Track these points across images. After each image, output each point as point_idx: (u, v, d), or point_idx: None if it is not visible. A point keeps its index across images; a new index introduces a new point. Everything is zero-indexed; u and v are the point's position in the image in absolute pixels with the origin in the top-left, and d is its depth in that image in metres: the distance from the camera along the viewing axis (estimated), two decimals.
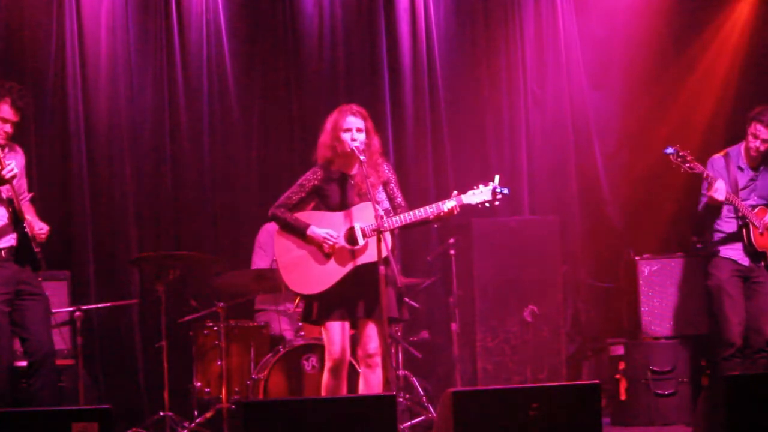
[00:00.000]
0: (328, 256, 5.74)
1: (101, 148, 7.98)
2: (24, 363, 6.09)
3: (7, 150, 6.04)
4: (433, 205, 5.68)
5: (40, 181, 7.46)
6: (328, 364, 5.79)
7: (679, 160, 6.64)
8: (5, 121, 5.94)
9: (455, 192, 5.71)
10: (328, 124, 5.84)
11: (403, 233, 8.36)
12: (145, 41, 8.11)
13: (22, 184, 6.16)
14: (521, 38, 8.74)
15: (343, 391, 5.84)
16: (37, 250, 5.99)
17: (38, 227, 6.05)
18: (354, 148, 5.70)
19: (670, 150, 6.64)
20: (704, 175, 6.73)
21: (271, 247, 7.57)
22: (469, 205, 5.70)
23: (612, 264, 8.45)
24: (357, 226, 5.71)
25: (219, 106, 8.25)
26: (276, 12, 8.39)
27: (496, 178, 5.72)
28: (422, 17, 8.55)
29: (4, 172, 5.73)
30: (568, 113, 8.73)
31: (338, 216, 5.78)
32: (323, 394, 5.80)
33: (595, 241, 8.68)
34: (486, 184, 5.71)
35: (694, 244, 7.77)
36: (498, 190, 5.68)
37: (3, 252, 5.92)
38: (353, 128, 5.75)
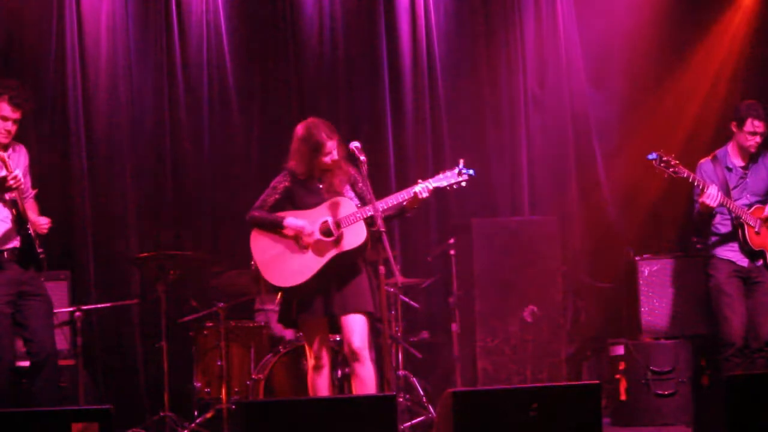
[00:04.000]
0: (304, 248, 5.80)
1: (101, 148, 7.99)
2: (25, 363, 6.09)
3: (11, 150, 6.04)
4: (404, 191, 5.85)
5: (40, 180, 7.44)
6: (310, 363, 5.92)
7: (662, 165, 6.59)
8: (5, 119, 5.93)
9: (419, 180, 5.88)
10: (305, 146, 5.94)
11: (403, 233, 8.38)
12: (145, 41, 8.12)
13: (26, 182, 6.16)
14: (521, 38, 8.73)
15: (326, 388, 5.92)
16: (40, 250, 6.00)
17: (40, 221, 6.04)
18: (355, 147, 5.80)
19: (653, 156, 6.59)
20: (690, 179, 6.69)
21: None
22: (438, 188, 5.88)
23: (612, 264, 8.44)
24: (330, 219, 5.83)
25: (219, 106, 8.25)
26: (276, 12, 8.39)
27: (461, 161, 5.92)
28: (422, 17, 8.55)
29: (10, 179, 5.71)
30: (568, 113, 8.73)
31: (311, 213, 5.89)
32: (310, 393, 5.90)
33: (595, 241, 8.68)
34: (451, 169, 5.91)
35: (694, 244, 7.75)
36: (464, 171, 5.89)
37: (6, 253, 5.91)
38: (333, 150, 5.92)
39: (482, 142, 8.62)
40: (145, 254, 7.35)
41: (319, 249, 5.83)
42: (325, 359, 5.90)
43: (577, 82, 8.76)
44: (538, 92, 8.76)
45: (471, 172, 5.91)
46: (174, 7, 8.13)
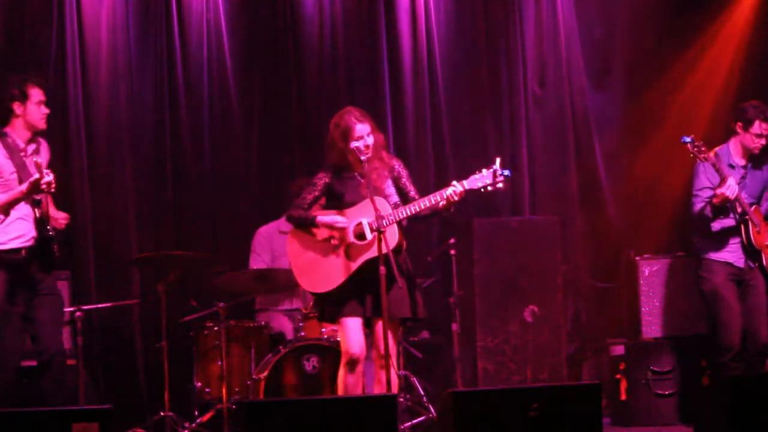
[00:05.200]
0: (337, 248, 5.76)
1: (101, 148, 7.98)
2: (30, 363, 6.12)
3: (35, 146, 6.07)
4: (437, 194, 5.69)
5: None
6: (343, 360, 5.81)
7: (695, 149, 6.60)
8: (41, 103, 6.00)
9: (454, 182, 5.71)
10: (336, 132, 5.85)
11: (403, 233, 8.36)
12: (145, 41, 8.11)
13: None
14: (521, 38, 8.73)
15: (359, 388, 5.84)
16: (55, 248, 6.01)
17: (57, 216, 6.06)
18: (354, 148, 5.76)
19: (687, 139, 6.60)
20: (716, 167, 6.66)
21: (266, 251, 7.59)
22: (472, 190, 5.70)
23: (612, 264, 8.44)
24: (364, 221, 5.74)
25: (219, 106, 8.24)
26: (276, 12, 8.38)
27: (497, 160, 5.70)
28: (422, 17, 8.55)
29: (43, 184, 5.70)
30: (569, 113, 8.73)
31: (346, 213, 5.82)
32: (340, 392, 5.80)
33: (595, 241, 8.68)
34: (488, 168, 5.70)
35: (694, 245, 7.75)
36: (499, 172, 5.67)
37: (23, 251, 5.92)
38: (364, 134, 5.80)
39: (482, 141, 8.62)
40: (145, 254, 7.35)
41: (351, 253, 5.76)
42: (361, 358, 5.80)
43: (577, 81, 8.77)
44: (538, 91, 8.76)
45: (507, 173, 5.68)
46: (174, 7, 8.13)
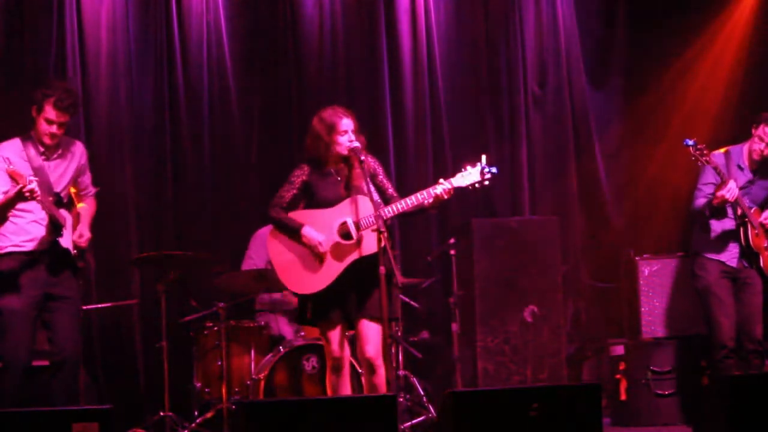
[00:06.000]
0: (321, 259, 5.73)
1: (101, 148, 7.98)
2: (39, 362, 6.13)
3: (60, 151, 6.07)
4: (424, 192, 5.67)
5: None
6: (329, 363, 5.82)
7: (697, 152, 6.61)
8: (50, 122, 5.95)
9: (441, 180, 5.72)
10: (320, 126, 5.80)
11: (403, 233, 8.38)
12: (145, 41, 8.11)
13: (84, 180, 6.29)
14: (521, 38, 8.74)
15: (347, 388, 5.84)
16: (74, 252, 6.02)
17: (78, 234, 6.07)
18: (354, 148, 5.73)
19: (689, 142, 6.61)
20: (717, 170, 6.66)
21: (261, 255, 7.58)
22: (460, 188, 5.70)
23: (612, 264, 8.45)
24: (349, 221, 5.70)
25: (219, 106, 8.24)
26: (276, 12, 8.39)
27: (483, 158, 5.72)
28: (422, 17, 8.55)
29: (26, 192, 5.69)
30: (569, 113, 8.74)
31: (330, 212, 5.75)
32: (329, 393, 5.81)
33: (595, 241, 8.68)
34: (474, 165, 5.71)
35: (691, 241, 7.74)
36: (486, 169, 5.69)
37: (36, 254, 5.93)
38: (349, 130, 5.77)
39: (482, 142, 8.62)
40: (145, 254, 7.35)
41: (338, 253, 5.70)
42: (345, 360, 5.79)
43: (577, 81, 8.77)
44: (538, 91, 8.77)
45: (494, 170, 5.70)
46: (174, 7, 8.12)
